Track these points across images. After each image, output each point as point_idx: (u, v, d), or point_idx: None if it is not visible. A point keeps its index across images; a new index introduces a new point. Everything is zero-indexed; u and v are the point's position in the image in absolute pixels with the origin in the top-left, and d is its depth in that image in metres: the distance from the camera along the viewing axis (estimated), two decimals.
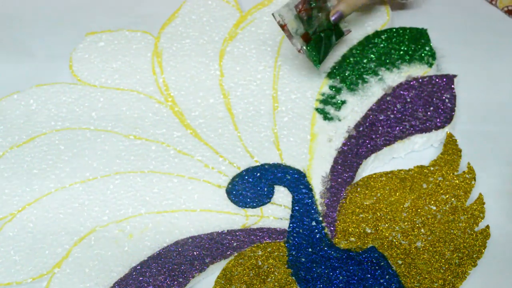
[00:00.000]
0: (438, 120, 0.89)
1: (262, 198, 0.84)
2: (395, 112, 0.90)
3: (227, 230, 0.82)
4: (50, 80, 0.97)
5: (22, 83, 0.97)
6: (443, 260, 0.78)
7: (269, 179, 0.86)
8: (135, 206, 0.84)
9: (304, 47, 0.90)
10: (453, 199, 0.83)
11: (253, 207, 0.84)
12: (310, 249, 0.80)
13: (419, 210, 0.82)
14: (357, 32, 0.99)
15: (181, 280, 0.78)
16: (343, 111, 0.91)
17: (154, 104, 0.94)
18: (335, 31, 0.93)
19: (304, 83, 0.94)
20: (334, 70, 0.95)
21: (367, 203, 0.83)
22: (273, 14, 0.89)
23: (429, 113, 0.90)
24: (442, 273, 0.77)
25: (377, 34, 0.98)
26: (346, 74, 0.94)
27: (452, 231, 0.80)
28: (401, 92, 0.92)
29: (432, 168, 0.85)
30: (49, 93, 0.95)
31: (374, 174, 0.86)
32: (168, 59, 0.98)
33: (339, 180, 0.85)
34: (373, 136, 0.88)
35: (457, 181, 0.84)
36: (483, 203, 0.82)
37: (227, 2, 1.04)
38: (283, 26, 0.89)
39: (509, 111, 0.92)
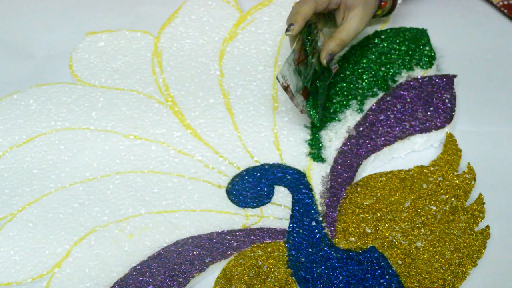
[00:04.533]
0: (438, 120, 0.89)
1: (262, 198, 0.84)
2: (395, 112, 0.90)
3: (227, 230, 0.82)
4: (50, 80, 0.97)
5: (22, 83, 0.97)
6: (443, 260, 0.78)
7: (269, 179, 0.86)
8: (135, 206, 0.84)
9: (305, 104, 0.86)
10: (453, 199, 0.83)
11: (253, 207, 0.84)
12: (310, 249, 0.80)
13: (419, 210, 0.82)
14: None
15: (181, 280, 0.78)
16: (343, 112, 0.91)
17: (154, 104, 0.94)
18: (326, 72, 0.88)
19: None
20: None
21: (367, 203, 0.83)
22: (276, 78, 0.84)
23: (429, 113, 0.90)
24: (442, 273, 0.77)
25: (377, 34, 0.98)
26: (346, 74, 0.94)
27: (452, 231, 0.80)
28: (401, 92, 0.92)
29: (432, 168, 0.85)
30: (49, 93, 0.95)
31: (374, 174, 0.86)
32: (168, 59, 0.99)
33: (339, 180, 0.85)
34: (373, 136, 0.88)
35: (457, 181, 0.84)
36: (483, 203, 0.82)
37: (227, 2, 1.04)
38: (286, 88, 0.84)
39: (509, 111, 0.92)
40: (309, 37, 0.86)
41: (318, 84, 0.87)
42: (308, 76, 0.85)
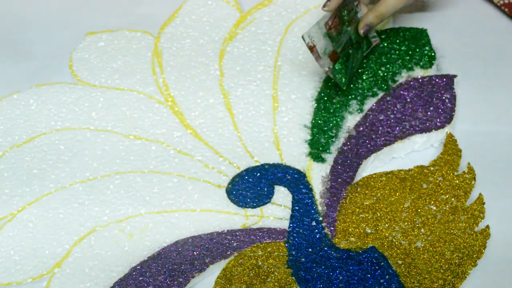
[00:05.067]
0: (438, 120, 0.89)
1: (262, 198, 0.84)
2: (395, 112, 0.90)
3: (227, 230, 0.82)
4: (50, 80, 0.97)
5: (22, 83, 0.97)
6: (443, 260, 0.78)
7: (269, 179, 0.86)
8: (135, 206, 0.84)
9: (331, 67, 0.88)
10: (453, 199, 0.83)
11: (253, 207, 0.84)
12: (310, 249, 0.80)
13: (419, 210, 0.82)
14: None
15: (181, 280, 0.78)
16: (343, 111, 0.91)
17: (154, 104, 0.94)
18: (365, 43, 0.92)
19: (304, 83, 0.94)
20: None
21: (367, 203, 0.83)
22: (302, 36, 0.86)
23: (429, 113, 0.90)
24: (442, 273, 0.77)
25: (377, 34, 0.98)
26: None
27: (452, 231, 0.80)
28: (401, 92, 0.92)
29: (432, 168, 0.85)
30: (49, 93, 0.95)
31: (374, 174, 0.86)
32: (168, 59, 0.98)
33: (339, 180, 0.85)
34: (373, 136, 0.88)
35: (457, 181, 0.84)
36: (483, 203, 0.82)
37: (227, 2, 1.04)
38: (312, 48, 0.87)
39: (509, 111, 0.92)
40: (347, 6, 0.89)
41: (351, 52, 0.90)
42: (340, 42, 0.88)
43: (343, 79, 0.90)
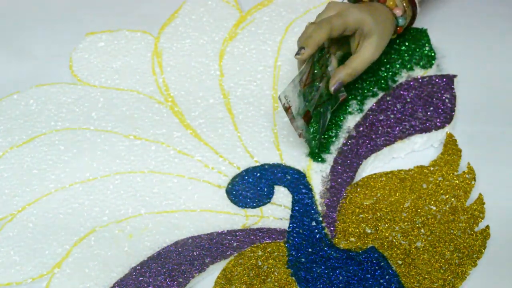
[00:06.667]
0: (438, 120, 0.89)
1: (262, 198, 0.84)
2: (395, 112, 0.90)
3: (227, 230, 0.82)
4: (50, 80, 0.97)
5: (22, 83, 0.97)
6: (443, 260, 0.78)
7: (269, 179, 0.86)
8: (135, 206, 0.84)
9: (304, 129, 0.83)
10: (453, 199, 0.83)
11: (253, 207, 0.84)
12: (310, 249, 0.80)
13: (419, 210, 0.82)
14: None
15: (181, 280, 0.78)
16: (343, 111, 0.91)
17: (154, 104, 0.94)
18: (333, 98, 0.86)
19: None
20: None
21: (367, 203, 0.83)
22: (279, 97, 0.81)
23: (429, 113, 0.90)
24: (442, 273, 0.77)
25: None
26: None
27: (452, 231, 0.80)
28: (401, 92, 0.92)
29: (432, 168, 0.85)
30: (49, 93, 0.95)
31: (374, 174, 0.86)
32: (168, 59, 0.98)
33: (339, 180, 0.85)
34: (373, 136, 0.88)
35: (457, 181, 0.84)
36: (483, 203, 0.82)
37: (227, 2, 1.04)
38: (287, 109, 0.81)
39: (509, 111, 0.92)
40: (320, 61, 0.84)
41: (321, 110, 0.85)
42: (313, 101, 0.83)
43: (315, 142, 0.85)
